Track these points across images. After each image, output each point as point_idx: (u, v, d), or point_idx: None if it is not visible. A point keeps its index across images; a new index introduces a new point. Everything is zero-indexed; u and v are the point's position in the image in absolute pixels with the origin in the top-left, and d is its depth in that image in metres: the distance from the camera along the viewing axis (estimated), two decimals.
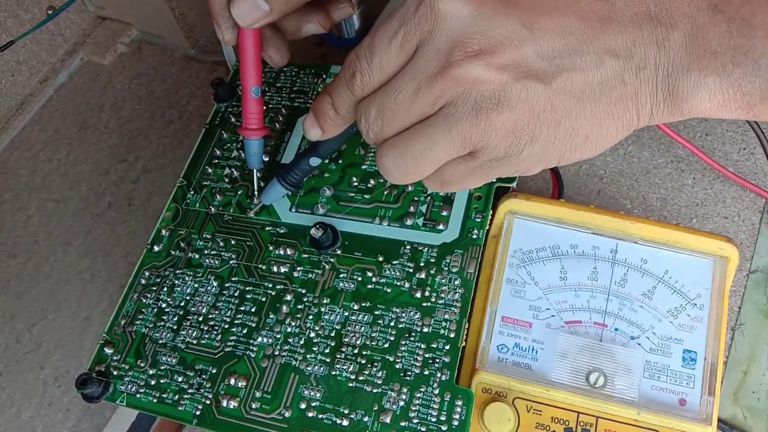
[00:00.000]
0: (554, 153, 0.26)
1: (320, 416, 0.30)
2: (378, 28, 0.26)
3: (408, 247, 0.34)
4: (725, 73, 0.23)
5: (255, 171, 0.37)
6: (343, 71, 0.27)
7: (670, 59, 0.24)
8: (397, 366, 0.31)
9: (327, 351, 0.32)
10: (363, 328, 0.32)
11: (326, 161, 0.37)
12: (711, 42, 0.24)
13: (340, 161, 0.37)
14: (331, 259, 0.34)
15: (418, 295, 0.32)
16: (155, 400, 0.32)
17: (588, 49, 0.24)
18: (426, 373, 0.30)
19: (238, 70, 0.43)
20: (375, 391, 0.30)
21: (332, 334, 0.32)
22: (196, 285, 0.35)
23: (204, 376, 0.32)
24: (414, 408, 0.30)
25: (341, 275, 0.34)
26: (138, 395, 0.32)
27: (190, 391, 0.32)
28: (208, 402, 0.32)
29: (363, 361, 0.31)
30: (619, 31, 0.24)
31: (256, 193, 0.37)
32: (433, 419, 0.29)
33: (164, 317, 0.34)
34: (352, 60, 0.27)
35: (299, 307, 0.33)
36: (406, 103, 0.26)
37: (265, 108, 0.41)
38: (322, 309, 0.33)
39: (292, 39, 0.37)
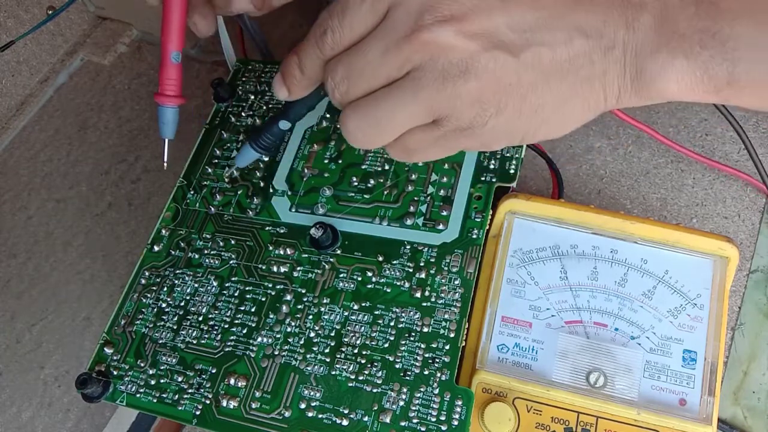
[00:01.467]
0: (519, 128, 0.26)
1: (320, 416, 0.30)
2: None
3: (408, 247, 0.34)
4: (693, 55, 0.24)
5: (166, 140, 0.35)
6: (314, 30, 0.27)
7: (639, 40, 0.24)
8: (397, 366, 0.31)
9: (327, 351, 0.32)
10: (363, 328, 0.32)
11: (325, 160, 0.37)
12: (679, 24, 0.24)
13: (340, 161, 0.37)
14: (331, 259, 0.34)
15: (418, 295, 0.32)
16: (155, 400, 0.32)
17: (558, 25, 0.24)
18: (426, 373, 0.30)
19: (238, 71, 0.43)
20: (375, 390, 0.30)
21: (332, 334, 0.32)
22: (196, 285, 0.35)
23: (204, 376, 0.32)
24: (414, 408, 0.30)
25: (341, 275, 0.34)
26: (138, 395, 0.32)
27: (190, 391, 0.32)
28: (208, 402, 0.32)
29: (363, 361, 0.31)
30: (591, 11, 0.24)
31: (164, 164, 0.36)
32: (433, 419, 0.29)
33: (164, 317, 0.34)
34: (324, 18, 0.27)
35: (299, 307, 0.33)
36: (374, 64, 0.26)
37: (264, 108, 0.41)
38: (322, 309, 0.33)
39: (222, 13, 0.36)
